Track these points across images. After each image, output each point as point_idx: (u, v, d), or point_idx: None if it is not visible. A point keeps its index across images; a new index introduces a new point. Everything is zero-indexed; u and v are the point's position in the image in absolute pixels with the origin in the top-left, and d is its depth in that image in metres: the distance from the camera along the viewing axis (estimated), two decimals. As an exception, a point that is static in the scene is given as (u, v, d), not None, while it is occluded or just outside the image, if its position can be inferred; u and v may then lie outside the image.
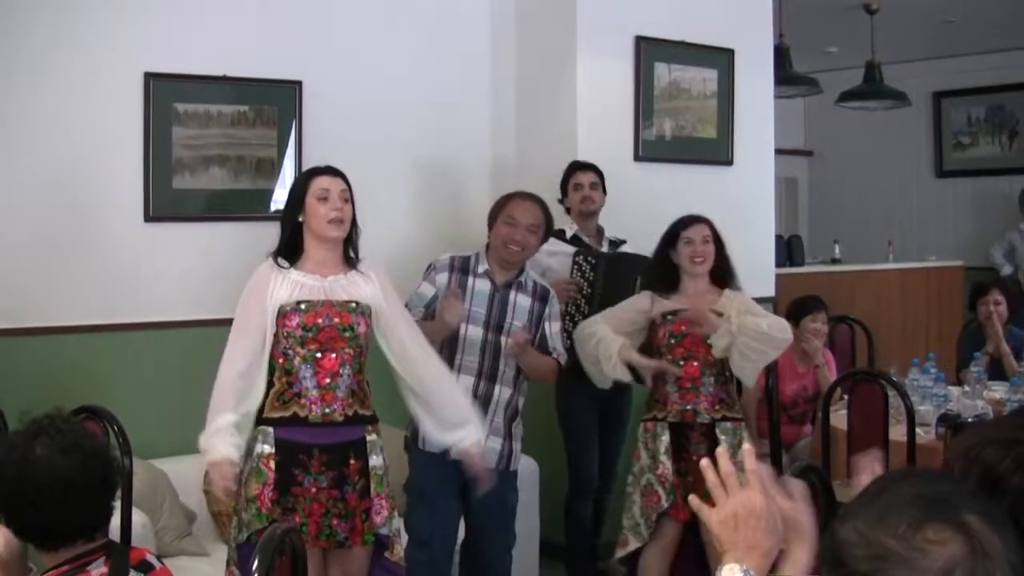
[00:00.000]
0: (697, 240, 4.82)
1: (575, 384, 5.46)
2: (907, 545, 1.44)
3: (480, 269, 4.66)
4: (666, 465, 4.73)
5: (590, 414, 5.57)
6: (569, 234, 5.60)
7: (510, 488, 4.77)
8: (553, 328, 4.77)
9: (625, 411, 5.68)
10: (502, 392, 4.68)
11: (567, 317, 5.28)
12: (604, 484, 5.73)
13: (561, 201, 5.64)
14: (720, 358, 4.77)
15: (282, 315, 3.91)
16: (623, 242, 5.65)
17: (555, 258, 5.41)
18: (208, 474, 3.92)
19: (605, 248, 5.64)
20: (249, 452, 3.89)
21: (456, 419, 4.22)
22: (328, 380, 3.92)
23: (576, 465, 5.59)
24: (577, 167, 5.69)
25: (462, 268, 4.65)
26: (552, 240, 5.47)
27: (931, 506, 1.47)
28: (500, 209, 4.72)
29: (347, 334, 3.95)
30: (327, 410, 3.91)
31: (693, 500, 1.97)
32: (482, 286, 4.64)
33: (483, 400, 4.60)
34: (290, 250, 4.03)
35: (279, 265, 3.99)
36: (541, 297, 4.76)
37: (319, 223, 3.98)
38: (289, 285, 3.95)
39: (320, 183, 4.01)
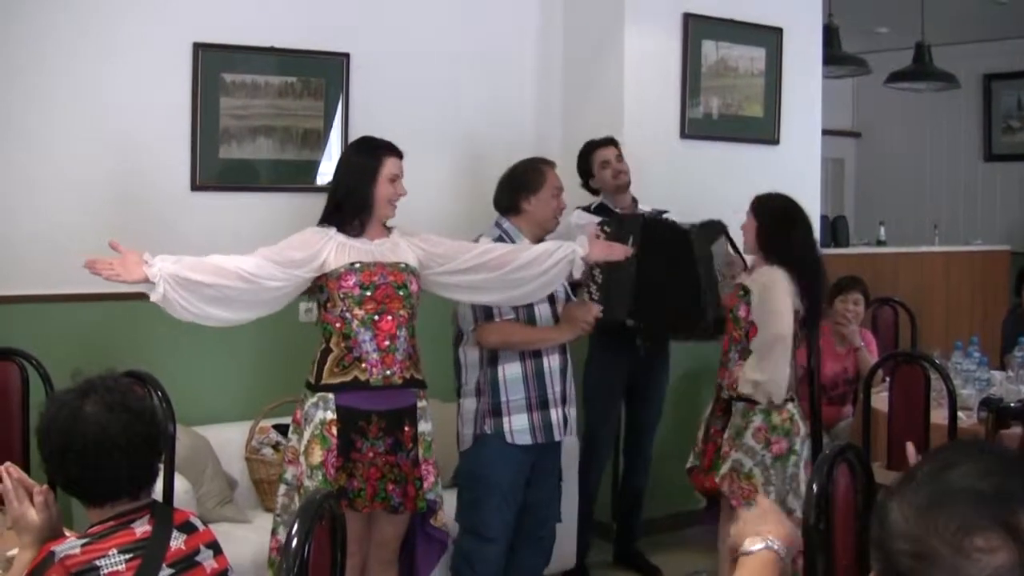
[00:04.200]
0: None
1: (604, 354, 5.40)
2: (954, 550, 1.39)
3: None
4: (701, 429, 4.80)
5: (615, 386, 5.51)
6: (594, 207, 5.44)
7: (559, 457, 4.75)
8: None
9: (659, 384, 5.62)
10: (569, 359, 4.60)
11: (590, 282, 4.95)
12: (633, 464, 5.67)
13: (585, 185, 5.51)
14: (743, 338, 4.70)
15: (336, 277, 3.93)
16: (665, 212, 5.46)
17: (582, 230, 5.07)
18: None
19: None
20: (309, 419, 3.92)
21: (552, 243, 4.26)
22: (387, 343, 3.94)
23: (590, 435, 5.47)
24: (596, 145, 5.51)
25: None
26: (578, 212, 5.37)
27: (985, 505, 1.40)
28: (539, 181, 4.54)
29: (401, 292, 3.98)
30: (387, 372, 3.95)
31: None
32: None
33: (562, 372, 4.52)
34: (336, 220, 4.06)
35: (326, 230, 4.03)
36: None
37: (383, 203, 4.04)
38: (337, 247, 3.97)
39: (395, 165, 4.07)
